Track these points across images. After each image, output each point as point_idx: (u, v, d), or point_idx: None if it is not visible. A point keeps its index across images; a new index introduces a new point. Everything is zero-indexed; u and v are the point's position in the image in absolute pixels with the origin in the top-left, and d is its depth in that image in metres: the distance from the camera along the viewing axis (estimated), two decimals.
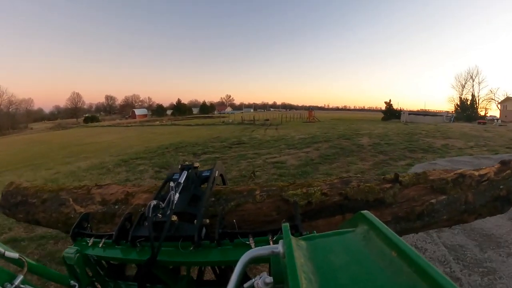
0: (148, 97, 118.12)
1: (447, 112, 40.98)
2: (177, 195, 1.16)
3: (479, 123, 28.17)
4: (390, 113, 41.08)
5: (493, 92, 46.26)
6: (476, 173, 1.32)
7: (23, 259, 0.99)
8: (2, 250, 0.95)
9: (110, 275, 1.24)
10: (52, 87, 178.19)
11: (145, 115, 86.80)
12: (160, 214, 1.06)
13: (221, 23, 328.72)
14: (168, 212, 1.06)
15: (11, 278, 0.92)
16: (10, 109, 64.81)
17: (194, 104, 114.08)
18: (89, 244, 1.14)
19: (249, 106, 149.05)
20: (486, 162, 6.44)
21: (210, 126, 28.19)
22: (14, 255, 0.98)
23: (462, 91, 48.13)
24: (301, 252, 0.58)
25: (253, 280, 0.62)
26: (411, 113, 37.13)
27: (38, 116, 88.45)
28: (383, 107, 45.10)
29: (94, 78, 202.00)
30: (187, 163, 1.38)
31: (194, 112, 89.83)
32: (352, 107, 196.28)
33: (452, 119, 33.54)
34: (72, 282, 1.14)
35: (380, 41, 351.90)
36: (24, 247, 3.17)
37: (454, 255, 2.70)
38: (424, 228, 1.31)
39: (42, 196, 1.69)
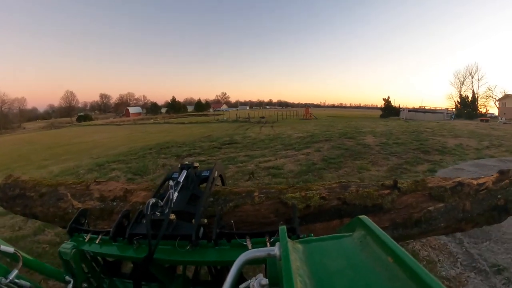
0: (143, 95, 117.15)
1: (447, 109, 40.20)
2: (176, 194, 1.15)
3: (481, 120, 27.67)
4: (389, 110, 40.37)
5: (490, 89, 45.49)
6: (475, 182, 1.32)
7: (19, 254, 0.99)
8: None
9: (106, 272, 1.23)
10: (46, 86, 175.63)
11: (139, 114, 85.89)
12: (159, 212, 1.05)
13: (216, 21, 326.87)
14: (167, 210, 1.05)
15: (6, 272, 0.92)
16: (3, 109, 64.10)
17: (189, 102, 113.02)
18: (86, 240, 1.13)
19: (244, 103, 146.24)
20: None
21: (204, 124, 27.46)
22: (10, 249, 0.98)
23: (461, 88, 47.71)
24: (298, 255, 0.58)
25: (249, 281, 0.62)
26: (411, 110, 36.27)
27: (32, 115, 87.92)
28: (380, 104, 44.49)
29: (89, 77, 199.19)
30: (186, 163, 1.36)
31: (189, 110, 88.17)
32: (348, 105, 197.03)
33: (453, 116, 32.88)
34: (68, 278, 1.13)
35: (376, 38, 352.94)
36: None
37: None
38: (422, 235, 1.31)
39: (40, 190, 1.67)
